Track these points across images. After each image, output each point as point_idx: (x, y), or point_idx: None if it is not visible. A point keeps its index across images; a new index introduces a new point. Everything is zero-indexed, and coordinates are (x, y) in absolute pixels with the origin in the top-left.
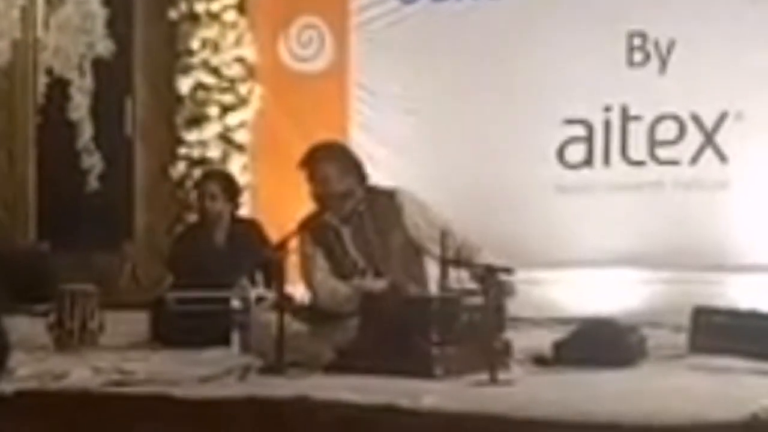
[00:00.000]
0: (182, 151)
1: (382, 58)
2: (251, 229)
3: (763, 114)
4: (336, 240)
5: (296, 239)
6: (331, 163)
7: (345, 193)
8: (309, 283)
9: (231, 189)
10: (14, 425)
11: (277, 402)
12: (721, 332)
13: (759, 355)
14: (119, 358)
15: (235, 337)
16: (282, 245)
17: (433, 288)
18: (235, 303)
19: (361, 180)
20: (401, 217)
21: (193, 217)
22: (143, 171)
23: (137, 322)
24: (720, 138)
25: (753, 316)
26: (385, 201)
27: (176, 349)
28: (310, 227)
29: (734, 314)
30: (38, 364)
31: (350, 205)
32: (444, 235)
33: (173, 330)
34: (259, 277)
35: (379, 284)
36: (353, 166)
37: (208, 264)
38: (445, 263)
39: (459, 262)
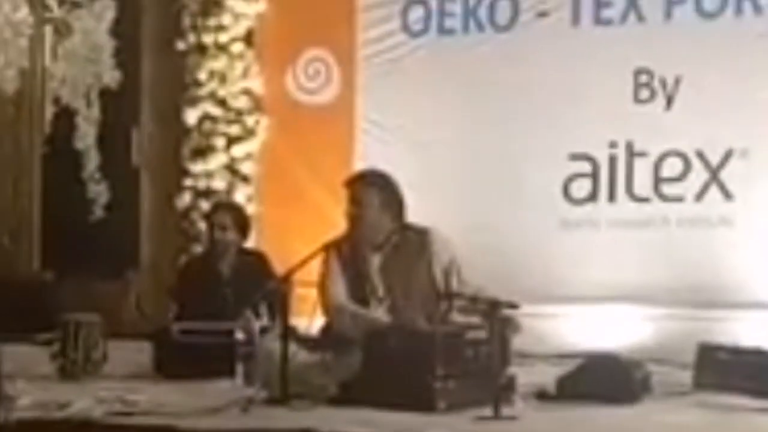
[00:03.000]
0: (188, 182)
1: (389, 92)
2: (258, 261)
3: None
4: (361, 265)
5: (319, 260)
6: (376, 190)
7: (381, 221)
8: (327, 303)
9: (241, 221)
10: None
11: None
12: (726, 369)
13: (763, 392)
14: (122, 388)
15: (239, 368)
16: (288, 276)
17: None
18: (239, 335)
19: (398, 215)
20: (429, 255)
21: (198, 248)
22: (149, 201)
23: (141, 352)
24: (725, 175)
25: (757, 353)
26: (417, 238)
27: (180, 381)
28: (337, 248)
29: (739, 351)
30: (41, 393)
31: (383, 235)
32: (450, 269)
33: (177, 361)
34: (263, 309)
35: (385, 314)
36: (395, 201)
37: (213, 295)
38: (450, 297)
39: (464, 297)
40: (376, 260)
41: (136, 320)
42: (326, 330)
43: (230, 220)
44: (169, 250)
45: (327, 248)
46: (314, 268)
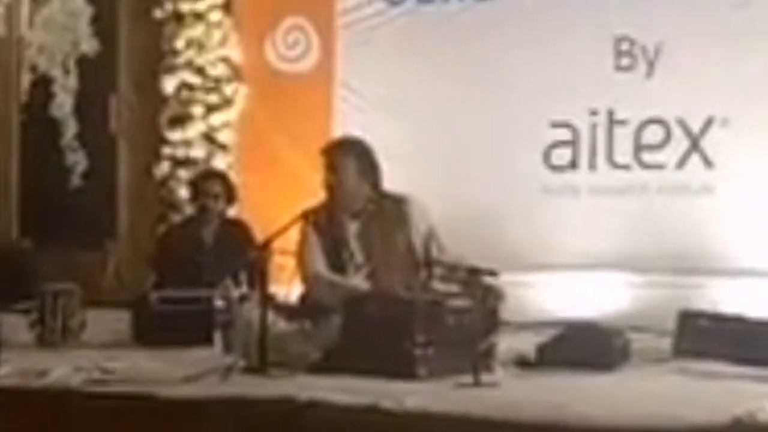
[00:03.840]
0: (166, 150)
1: (369, 60)
2: (240, 230)
3: (749, 120)
4: (339, 233)
5: (297, 227)
6: (352, 157)
7: (358, 189)
8: (304, 272)
9: (229, 189)
10: None
11: (260, 402)
12: (706, 336)
13: (743, 359)
14: (101, 356)
15: (218, 336)
16: (267, 244)
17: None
18: (218, 302)
19: (375, 183)
20: (408, 224)
21: (176, 217)
22: (127, 169)
23: (119, 320)
24: (705, 143)
25: (737, 320)
26: (395, 206)
27: (159, 348)
28: (315, 216)
29: (719, 318)
30: (20, 361)
31: (361, 202)
32: (429, 237)
33: (156, 329)
34: (243, 276)
35: (363, 282)
36: (372, 168)
37: (194, 263)
38: (429, 265)
39: (443, 264)
40: (353, 228)
41: (114, 288)
42: (305, 298)
43: (219, 189)
44: (148, 219)
45: (304, 216)
46: (293, 236)
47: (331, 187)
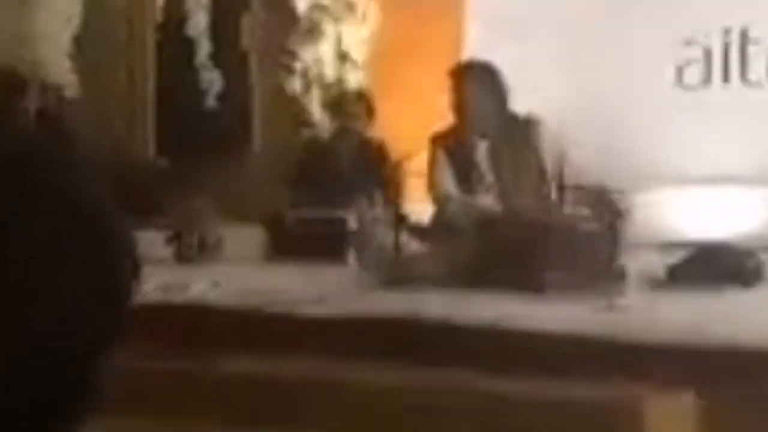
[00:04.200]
0: (299, 67)
1: None
2: (377, 150)
3: None
4: (469, 154)
5: (427, 150)
6: (479, 80)
7: (486, 111)
8: (435, 193)
9: (370, 110)
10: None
11: (391, 320)
12: None
13: None
14: (238, 272)
15: (352, 255)
16: (399, 165)
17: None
18: (353, 222)
19: (503, 104)
20: (538, 146)
21: (310, 133)
22: (260, 87)
23: (256, 237)
24: None
25: None
26: (525, 128)
27: (293, 267)
28: (444, 139)
29: None
30: (160, 277)
31: (489, 124)
32: (560, 160)
33: (291, 248)
34: (377, 196)
35: (493, 202)
36: (499, 90)
37: (334, 182)
38: (561, 188)
39: (573, 187)
40: (483, 149)
41: (250, 206)
42: (436, 219)
43: (360, 108)
44: (282, 136)
45: (435, 139)
46: (425, 157)
47: (459, 109)
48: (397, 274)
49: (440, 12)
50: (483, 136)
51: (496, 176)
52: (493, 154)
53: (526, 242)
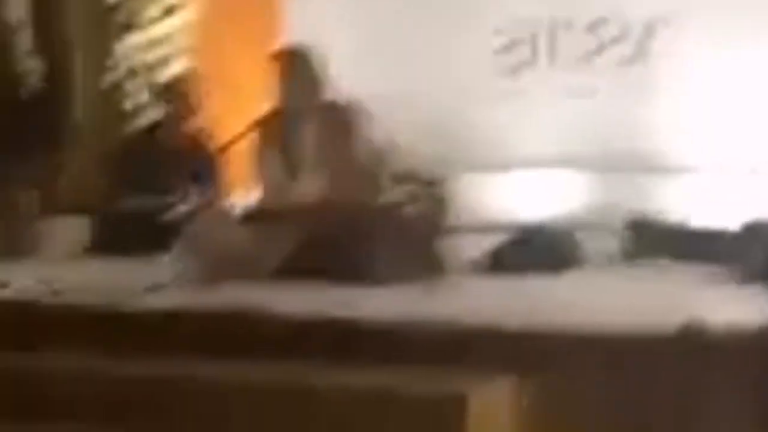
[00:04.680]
0: (120, 56)
1: None
2: (203, 139)
3: (694, 19)
4: (291, 140)
5: (251, 135)
6: (303, 65)
7: (307, 97)
8: (259, 179)
9: (193, 98)
10: None
11: (215, 313)
12: (656, 239)
13: (691, 261)
14: (61, 266)
15: (176, 244)
16: (222, 152)
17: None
18: (175, 212)
19: (324, 90)
20: (359, 131)
21: (132, 124)
22: (83, 77)
23: (79, 228)
24: (652, 43)
25: (686, 223)
26: (346, 113)
27: (119, 257)
28: (267, 126)
29: (667, 222)
30: None
31: (310, 110)
32: (381, 145)
33: (116, 237)
34: (202, 184)
35: (316, 188)
36: (319, 76)
37: (155, 172)
38: (382, 174)
39: (395, 172)
40: (307, 134)
41: (73, 196)
42: (261, 206)
43: (183, 97)
44: (105, 124)
45: (257, 126)
46: (249, 144)
47: (280, 95)
48: (221, 264)
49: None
50: (305, 123)
51: (318, 162)
52: (317, 140)
53: (347, 229)
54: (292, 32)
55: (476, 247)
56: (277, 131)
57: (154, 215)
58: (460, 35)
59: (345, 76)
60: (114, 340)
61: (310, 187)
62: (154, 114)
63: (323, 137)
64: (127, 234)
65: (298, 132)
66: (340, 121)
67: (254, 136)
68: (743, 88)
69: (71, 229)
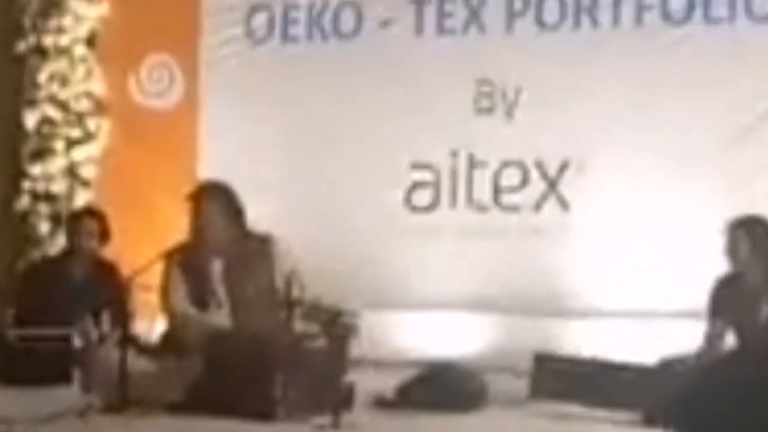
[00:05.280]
0: (27, 184)
1: (233, 98)
2: (111, 269)
3: (603, 163)
4: (203, 271)
5: (161, 265)
6: (217, 202)
7: (223, 232)
8: (167, 309)
9: (104, 229)
10: None
11: None
12: (561, 378)
13: (596, 401)
14: None
15: (77, 375)
16: (127, 283)
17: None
18: (77, 341)
19: (239, 224)
20: (271, 263)
21: (36, 252)
22: None
23: None
24: (562, 186)
25: (591, 362)
26: (259, 245)
27: (16, 387)
28: (178, 255)
29: (573, 361)
30: None
31: (225, 243)
32: (290, 277)
33: (13, 367)
34: (105, 315)
35: (225, 320)
36: (235, 211)
37: (61, 301)
38: (290, 305)
39: (304, 304)
40: (217, 266)
41: None
42: (167, 336)
43: (95, 227)
44: (6, 254)
45: (169, 255)
46: (157, 274)
47: (196, 232)
48: (123, 396)
49: (172, 127)
50: (218, 254)
51: (229, 294)
52: (227, 273)
53: (253, 359)
54: (205, 168)
55: (383, 382)
56: (189, 261)
57: (54, 344)
58: (375, 169)
59: (255, 210)
60: None
61: (220, 318)
62: (60, 243)
63: (233, 270)
64: (24, 364)
65: (209, 262)
66: (251, 253)
67: (163, 265)
68: (649, 233)
69: None
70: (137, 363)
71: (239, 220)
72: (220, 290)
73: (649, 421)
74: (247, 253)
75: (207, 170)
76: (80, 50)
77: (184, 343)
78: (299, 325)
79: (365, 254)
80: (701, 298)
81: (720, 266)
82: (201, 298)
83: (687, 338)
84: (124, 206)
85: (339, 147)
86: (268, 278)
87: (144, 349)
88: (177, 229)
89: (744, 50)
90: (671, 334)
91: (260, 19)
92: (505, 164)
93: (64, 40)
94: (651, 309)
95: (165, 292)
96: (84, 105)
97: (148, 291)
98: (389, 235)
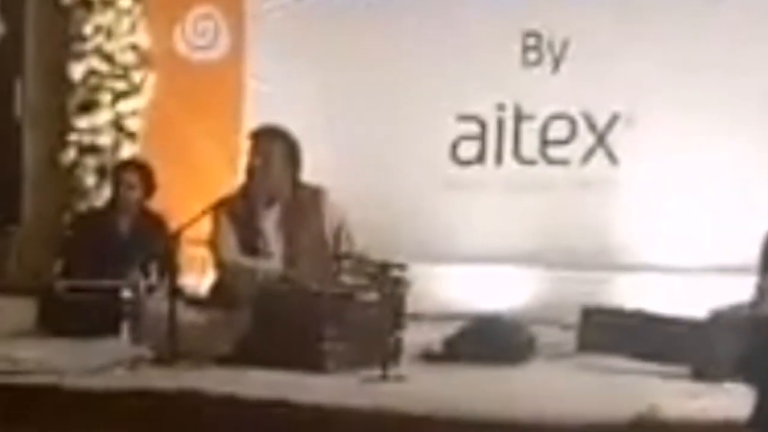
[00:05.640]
0: (73, 137)
1: (279, 50)
2: (155, 221)
3: (652, 117)
4: (254, 221)
5: (209, 218)
6: (279, 144)
7: (281, 175)
8: (218, 259)
9: (149, 181)
10: None
11: (168, 395)
12: (608, 331)
13: (644, 354)
14: (7, 346)
15: (126, 327)
16: (177, 234)
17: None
18: (126, 293)
19: (296, 171)
20: (321, 215)
21: (83, 204)
22: (32, 155)
23: (25, 308)
24: (610, 139)
25: (639, 315)
26: (310, 197)
27: (65, 338)
28: (229, 205)
29: (621, 314)
30: None
31: (279, 189)
32: (340, 230)
33: (62, 318)
34: (152, 267)
35: (275, 267)
36: (295, 157)
37: (106, 252)
38: (339, 258)
39: (353, 258)
40: (268, 216)
41: (19, 276)
42: (217, 288)
43: (137, 179)
44: (54, 206)
45: (217, 206)
46: (205, 227)
47: (253, 171)
48: (172, 348)
49: (218, 79)
50: (269, 204)
51: (279, 245)
52: (278, 223)
53: (302, 312)
54: (251, 120)
55: (429, 336)
56: (241, 210)
57: (103, 296)
58: (420, 121)
59: (306, 161)
60: (61, 419)
61: (271, 266)
62: (106, 195)
63: (285, 219)
64: (74, 316)
65: (260, 213)
66: (303, 204)
67: (212, 217)
68: (698, 188)
69: (19, 309)
70: (186, 315)
71: (297, 168)
72: (275, 237)
73: (698, 374)
74: (298, 203)
75: (252, 123)
76: (125, 2)
77: (234, 295)
78: (348, 279)
79: (411, 208)
80: (749, 253)
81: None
82: (252, 247)
83: (736, 293)
84: (170, 159)
85: (384, 100)
86: (318, 230)
87: (193, 301)
88: (222, 181)
89: None
90: (720, 288)
91: None
92: (553, 117)
93: None
94: (699, 264)
95: (215, 243)
96: (129, 57)
97: (196, 244)
98: (435, 188)
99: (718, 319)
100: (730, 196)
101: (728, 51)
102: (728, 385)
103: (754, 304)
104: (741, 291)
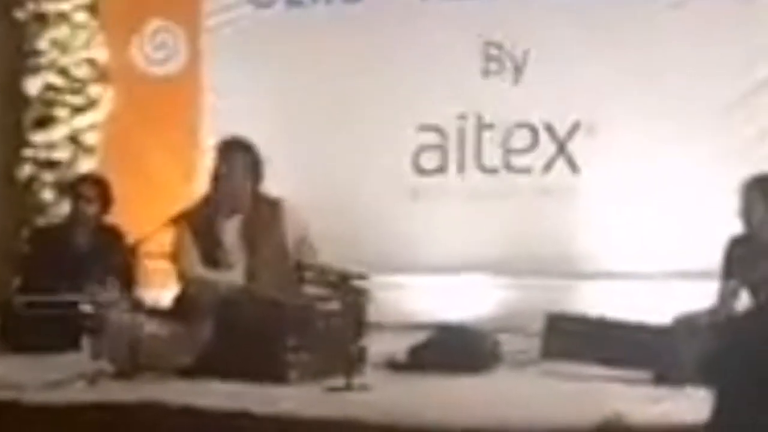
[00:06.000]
0: (29, 152)
1: (236, 63)
2: (115, 235)
3: (613, 125)
4: (215, 233)
5: (169, 232)
6: (243, 154)
7: (243, 186)
8: (180, 271)
9: (107, 195)
10: None
11: (129, 407)
12: (573, 338)
13: (608, 360)
14: None
15: (86, 341)
16: (134, 249)
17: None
18: (86, 307)
19: (257, 183)
20: (282, 227)
21: (40, 220)
22: None
23: None
24: (571, 147)
25: (602, 322)
26: (269, 208)
27: (24, 353)
28: (189, 218)
29: (585, 320)
30: None
31: (241, 200)
32: (301, 241)
33: (21, 333)
34: (112, 281)
35: (237, 279)
36: (257, 169)
37: (66, 267)
38: (300, 269)
39: (315, 268)
40: (229, 228)
41: None
42: (179, 300)
43: (95, 193)
44: (11, 222)
45: (178, 219)
46: (165, 240)
47: (220, 180)
48: (133, 361)
49: (176, 93)
50: (230, 215)
51: (246, 251)
52: (239, 235)
53: (264, 323)
54: (209, 134)
55: (393, 345)
56: (201, 223)
57: (62, 310)
58: (382, 132)
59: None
60: None
61: (232, 277)
62: (64, 210)
63: (246, 230)
64: (33, 331)
65: (221, 224)
66: (263, 215)
67: (173, 231)
68: (659, 195)
69: None
70: (148, 327)
71: (258, 181)
72: (236, 249)
73: (660, 379)
74: (258, 215)
75: (209, 136)
76: (81, 16)
77: (196, 307)
78: (310, 289)
79: (373, 218)
80: (711, 259)
81: (728, 227)
82: (213, 258)
83: (697, 299)
84: (127, 173)
85: (345, 110)
86: (280, 241)
87: (155, 313)
88: (179, 194)
89: (751, 9)
90: (681, 294)
91: None
92: (514, 126)
93: (64, 6)
94: (661, 270)
95: (176, 256)
96: (86, 72)
97: (157, 258)
98: (397, 198)
99: (680, 324)
100: (691, 202)
101: (688, 58)
102: (689, 390)
103: (715, 311)
104: (703, 297)
